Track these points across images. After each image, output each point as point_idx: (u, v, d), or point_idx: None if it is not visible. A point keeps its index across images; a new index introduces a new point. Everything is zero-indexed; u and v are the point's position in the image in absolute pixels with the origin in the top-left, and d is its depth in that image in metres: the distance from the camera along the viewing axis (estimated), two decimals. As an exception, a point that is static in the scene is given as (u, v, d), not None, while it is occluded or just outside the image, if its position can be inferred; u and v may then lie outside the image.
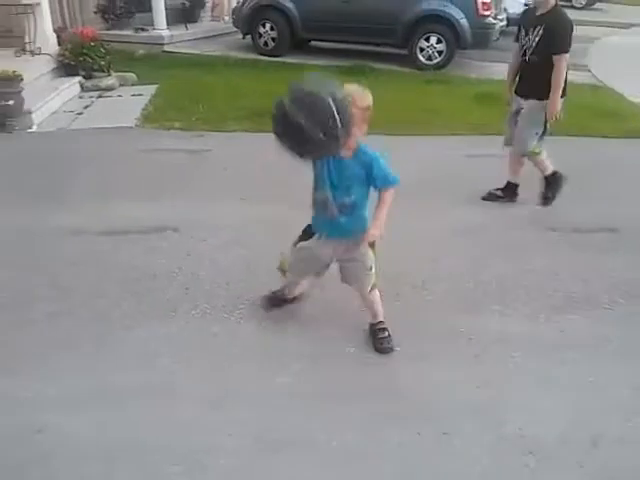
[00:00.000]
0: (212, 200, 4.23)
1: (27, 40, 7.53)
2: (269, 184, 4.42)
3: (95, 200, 4.17)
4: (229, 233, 3.74)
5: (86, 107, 6.82)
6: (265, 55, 9.94)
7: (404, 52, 9.48)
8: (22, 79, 5.80)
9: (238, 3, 10.67)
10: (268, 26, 9.93)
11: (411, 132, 5.97)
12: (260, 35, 10.05)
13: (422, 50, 9.29)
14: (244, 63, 9.39)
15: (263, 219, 3.85)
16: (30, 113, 5.95)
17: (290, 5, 9.68)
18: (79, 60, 7.60)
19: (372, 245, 2.62)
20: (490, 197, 4.48)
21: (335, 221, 2.54)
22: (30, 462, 2.12)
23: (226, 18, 12.71)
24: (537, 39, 3.94)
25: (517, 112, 4.23)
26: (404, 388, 2.55)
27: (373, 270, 2.65)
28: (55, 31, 7.97)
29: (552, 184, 4.36)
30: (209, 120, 6.22)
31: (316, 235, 2.66)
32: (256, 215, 3.94)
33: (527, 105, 4.13)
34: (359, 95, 2.39)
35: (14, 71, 5.75)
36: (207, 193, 4.36)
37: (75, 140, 5.64)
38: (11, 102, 5.73)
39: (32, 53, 7.50)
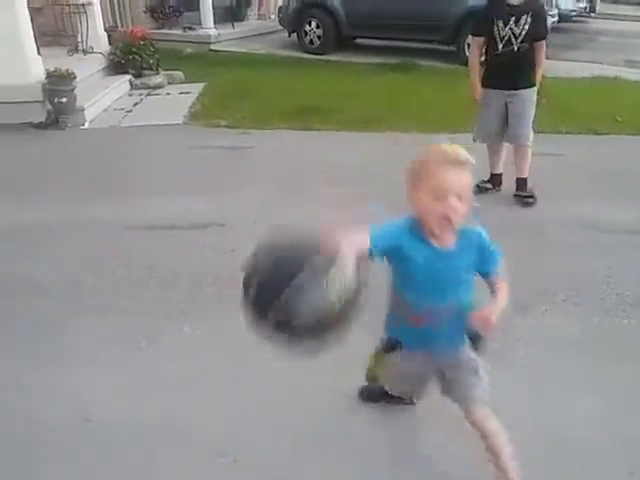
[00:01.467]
0: (255, 196, 4.26)
1: (80, 39, 7.77)
2: (311, 181, 4.43)
3: (144, 195, 4.26)
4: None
5: (135, 105, 6.98)
6: (310, 53, 9.98)
7: (451, 49, 9.36)
8: (75, 77, 5.97)
9: (284, 2, 10.74)
10: (314, 24, 9.96)
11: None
12: (306, 33, 10.10)
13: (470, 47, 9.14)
14: (289, 61, 9.45)
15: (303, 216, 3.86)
16: (82, 110, 6.13)
17: (336, 3, 9.68)
18: (129, 59, 7.79)
19: None
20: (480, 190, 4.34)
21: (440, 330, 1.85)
22: (81, 448, 2.17)
23: (272, 17, 12.83)
24: (527, 27, 3.97)
25: (501, 106, 4.15)
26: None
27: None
28: (106, 30, 8.19)
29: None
30: (255, 118, 6.27)
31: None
32: (294, 211, 3.95)
33: (519, 96, 4.11)
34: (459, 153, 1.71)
35: (67, 69, 5.92)
36: (250, 189, 4.39)
37: (125, 137, 5.78)
38: (64, 99, 5.91)
39: (84, 52, 7.72)
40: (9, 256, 3.42)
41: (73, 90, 5.97)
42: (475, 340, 1.89)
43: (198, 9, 10.64)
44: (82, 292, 3.09)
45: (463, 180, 1.67)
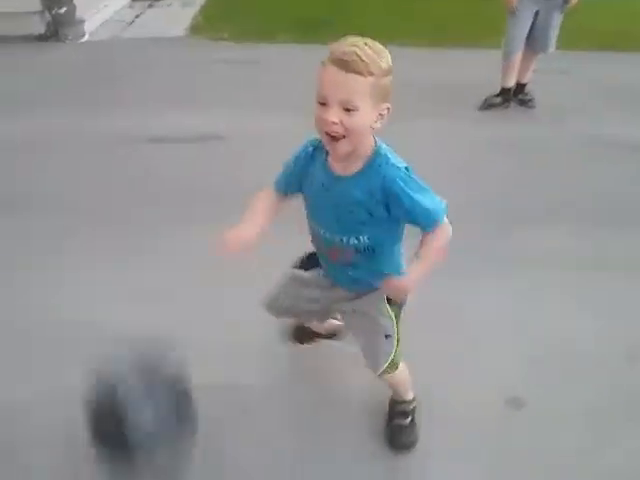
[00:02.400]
0: (258, 111, 4.19)
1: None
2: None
3: (145, 108, 4.21)
4: (273, 144, 3.72)
5: (137, 16, 6.76)
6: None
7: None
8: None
9: None
10: None
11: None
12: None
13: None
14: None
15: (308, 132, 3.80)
16: (82, 22, 5.95)
17: None
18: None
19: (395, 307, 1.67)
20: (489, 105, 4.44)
21: (337, 267, 1.66)
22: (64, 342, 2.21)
23: None
24: None
25: (532, 16, 4.07)
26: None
27: (394, 346, 1.69)
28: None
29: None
30: (260, 31, 6.06)
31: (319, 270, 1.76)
32: (301, 128, 3.89)
33: (552, 2, 4.00)
34: (377, 52, 1.35)
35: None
36: (253, 104, 4.31)
37: (126, 49, 5.64)
38: (63, 10, 5.74)
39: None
40: (10, 169, 3.43)
41: (72, 0, 5.77)
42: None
43: None
44: (74, 206, 3.09)
45: (349, 86, 1.31)
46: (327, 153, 1.49)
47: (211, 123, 3.98)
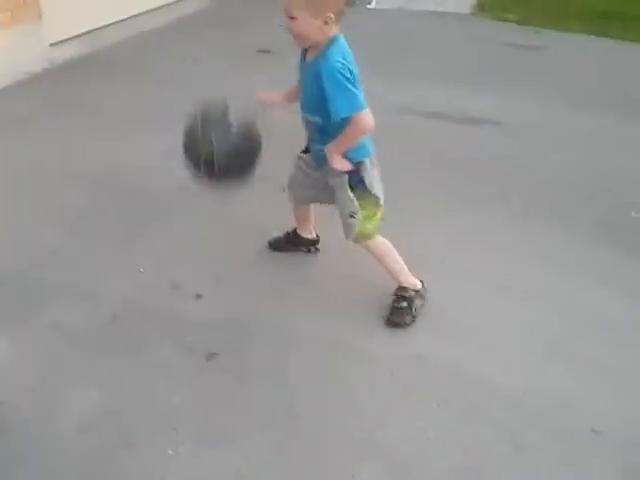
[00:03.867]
0: (538, 101, 3.93)
1: None
2: (606, 94, 3.93)
3: (423, 82, 4.20)
4: (552, 136, 3.48)
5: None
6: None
7: None
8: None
9: None
10: None
11: None
12: None
13: None
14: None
15: (596, 131, 3.47)
16: (372, -11, 6.14)
17: None
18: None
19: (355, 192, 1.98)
20: None
21: (312, 146, 2.05)
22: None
23: None
24: None
25: None
26: None
27: (356, 218, 2.00)
28: None
29: None
30: (547, 16, 5.68)
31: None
32: (587, 126, 3.57)
33: None
34: None
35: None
36: (534, 93, 4.05)
37: (410, 20, 5.69)
38: (358, -24, 5.96)
39: None
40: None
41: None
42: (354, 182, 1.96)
43: None
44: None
45: (289, 2, 1.77)
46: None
47: (487, 106, 3.83)
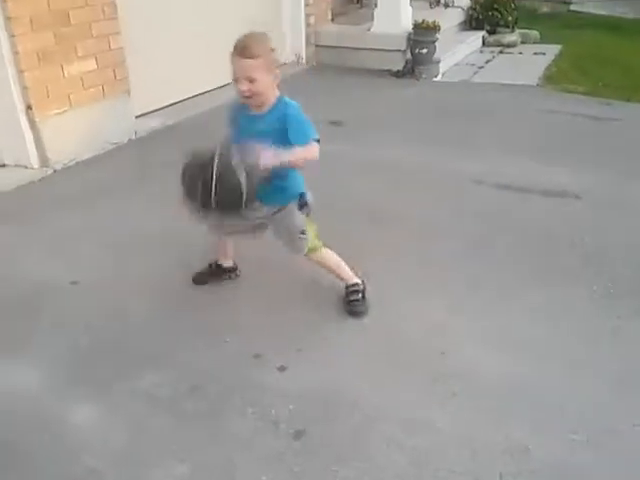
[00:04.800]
0: (617, 174, 3.84)
1: (445, -8, 7.91)
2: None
3: (494, 153, 4.20)
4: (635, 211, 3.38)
5: (487, 61, 6.89)
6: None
7: None
8: (439, 30, 6.11)
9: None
10: None
11: None
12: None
13: None
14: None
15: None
16: (438, 62, 6.27)
17: None
18: (488, 15, 7.69)
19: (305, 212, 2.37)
20: None
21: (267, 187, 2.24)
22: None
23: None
24: None
25: None
26: None
27: (306, 235, 2.39)
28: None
29: None
30: (618, 88, 5.65)
31: None
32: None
33: None
34: (261, 40, 2.15)
35: (434, 21, 6.08)
36: (612, 165, 3.97)
37: (476, 92, 5.77)
38: (425, 50, 6.11)
39: (445, 5, 7.85)
40: (371, 186, 3.71)
41: (434, 42, 6.12)
42: (301, 205, 2.34)
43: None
44: (429, 228, 3.19)
45: (245, 66, 2.07)
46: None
47: (562, 178, 3.78)
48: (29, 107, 3.72)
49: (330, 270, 2.53)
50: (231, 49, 2.10)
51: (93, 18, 4.02)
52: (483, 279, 2.76)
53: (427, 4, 7.89)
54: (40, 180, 3.77)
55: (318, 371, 2.18)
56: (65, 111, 3.93)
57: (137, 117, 4.60)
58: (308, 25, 6.55)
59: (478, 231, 3.20)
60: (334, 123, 4.83)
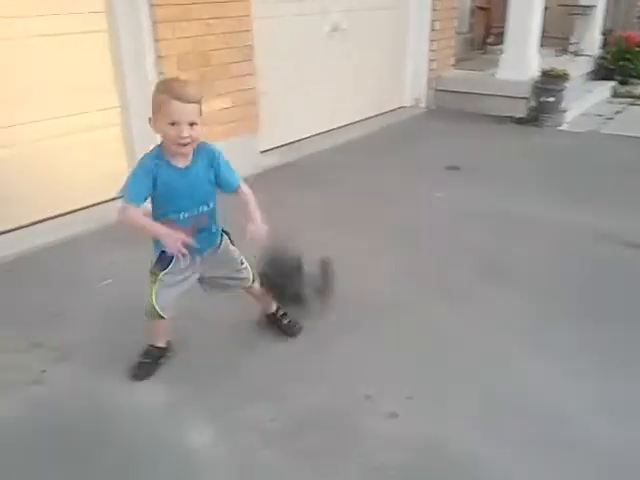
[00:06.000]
0: None
1: (573, 41, 7.70)
2: None
3: (622, 209, 3.96)
4: None
5: (617, 113, 6.58)
6: None
7: None
8: (568, 79, 5.94)
9: None
10: None
11: None
12: None
13: None
14: None
15: None
16: (564, 111, 6.08)
17: None
18: (619, 65, 7.38)
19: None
20: None
21: (201, 235, 2.20)
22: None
23: None
24: None
25: None
26: None
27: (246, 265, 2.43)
28: (603, 33, 7.90)
29: None
30: None
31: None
32: None
33: None
34: (196, 85, 2.18)
35: (564, 70, 5.92)
36: None
37: (604, 143, 5.51)
38: (551, 99, 5.95)
39: (575, 54, 7.63)
40: (489, 237, 3.62)
41: (562, 91, 5.95)
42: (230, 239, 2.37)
43: None
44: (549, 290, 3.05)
45: (192, 111, 1.99)
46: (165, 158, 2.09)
47: None
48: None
49: (264, 299, 2.56)
50: (170, 93, 1.98)
51: (232, 59, 4.30)
52: (606, 349, 2.59)
53: (552, 51, 7.71)
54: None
55: (431, 423, 2.12)
56: (198, 145, 4.20)
57: (262, 152, 4.82)
58: (430, 70, 6.61)
59: (599, 294, 3.02)
60: (451, 168, 4.80)
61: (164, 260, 2.19)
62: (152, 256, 2.23)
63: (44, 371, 2.37)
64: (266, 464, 1.95)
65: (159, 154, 2.09)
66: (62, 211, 3.74)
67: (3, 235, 3.46)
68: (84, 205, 3.66)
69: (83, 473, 1.93)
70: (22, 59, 3.41)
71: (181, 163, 2.11)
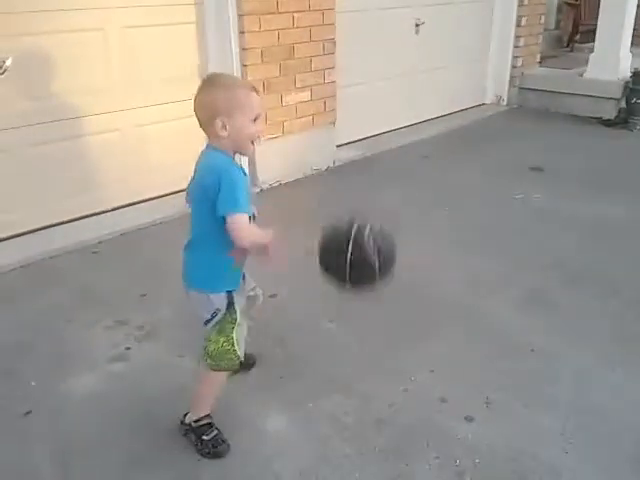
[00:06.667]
0: None
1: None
2: None
3: None
4: None
5: None
6: None
7: None
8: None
9: None
10: None
11: None
12: None
13: None
14: None
15: None
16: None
17: None
18: None
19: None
20: None
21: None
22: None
23: None
24: None
25: None
26: None
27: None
28: None
29: None
30: None
31: None
32: None
33: None
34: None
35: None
36: None
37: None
38: (643, 100, 5.65)
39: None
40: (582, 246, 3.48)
41: (656, 92, 5.63)
42: None
43: None
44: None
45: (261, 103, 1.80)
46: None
47: None
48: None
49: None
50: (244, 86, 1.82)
51: (314, 53, 4.32)
52: None
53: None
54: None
55: (506, 430, 2.06)
56: (277, 137, 4.24)
57: (338, 146, 4.82)
58: (514, 67, 6.41)
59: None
60: (534, 169, 4.64)
61: (230, 298, 1.85)
62: (207, 303, 1.82)
63: (129, 348, 2.47)
64: (342, 457, 1.95)
65: (229, 158, 1.78)
66: (150, 196, 3.91)
67: (94, 217, 3.64)
68: (172, 190, 3.77)
69: (161, 448, 1.99)
70: (120, 49, 3.56)
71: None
